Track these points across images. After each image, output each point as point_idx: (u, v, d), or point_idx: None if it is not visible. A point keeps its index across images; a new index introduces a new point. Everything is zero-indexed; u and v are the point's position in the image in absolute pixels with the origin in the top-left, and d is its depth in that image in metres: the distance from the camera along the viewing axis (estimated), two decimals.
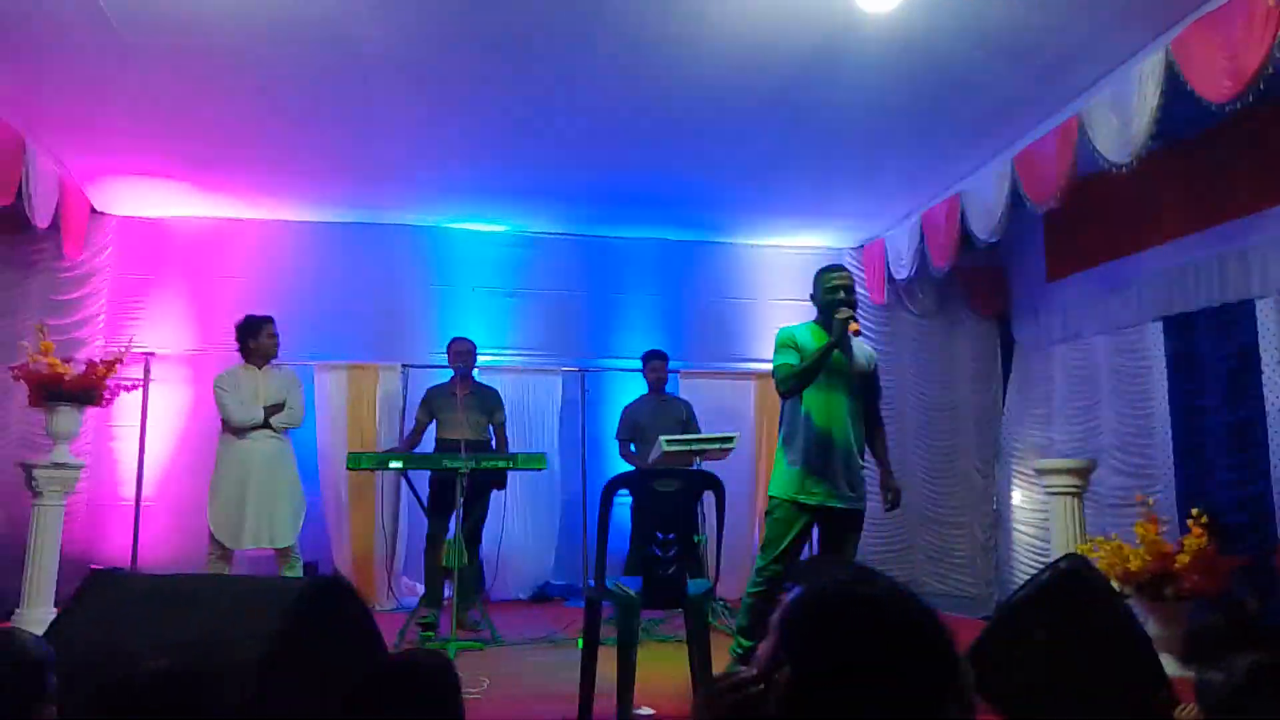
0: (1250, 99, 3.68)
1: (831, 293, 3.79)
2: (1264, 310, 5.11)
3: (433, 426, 5.77)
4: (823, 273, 3.91)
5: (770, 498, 3.87)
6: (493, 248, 7.19)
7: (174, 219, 6.69)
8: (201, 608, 2.23)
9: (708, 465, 5.21)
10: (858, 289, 7.09)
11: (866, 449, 3.95)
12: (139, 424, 6.25)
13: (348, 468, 5.43)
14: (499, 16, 4.09)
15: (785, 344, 3.85)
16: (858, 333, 3.71)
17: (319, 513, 6.32)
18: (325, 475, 6.51)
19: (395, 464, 5.17)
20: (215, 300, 6.62)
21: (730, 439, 5.22)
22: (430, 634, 5.09)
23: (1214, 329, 5.49)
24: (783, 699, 1.06)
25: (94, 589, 2.38)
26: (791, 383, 3.77)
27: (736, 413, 6.99)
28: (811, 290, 3.92)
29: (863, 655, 1.03)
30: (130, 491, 6.24)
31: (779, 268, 7.33)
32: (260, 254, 6.79)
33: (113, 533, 6.27)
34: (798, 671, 1.05)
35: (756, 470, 6.98)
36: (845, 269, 3.92)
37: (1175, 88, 4.02)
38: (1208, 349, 5.56)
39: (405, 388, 6.68)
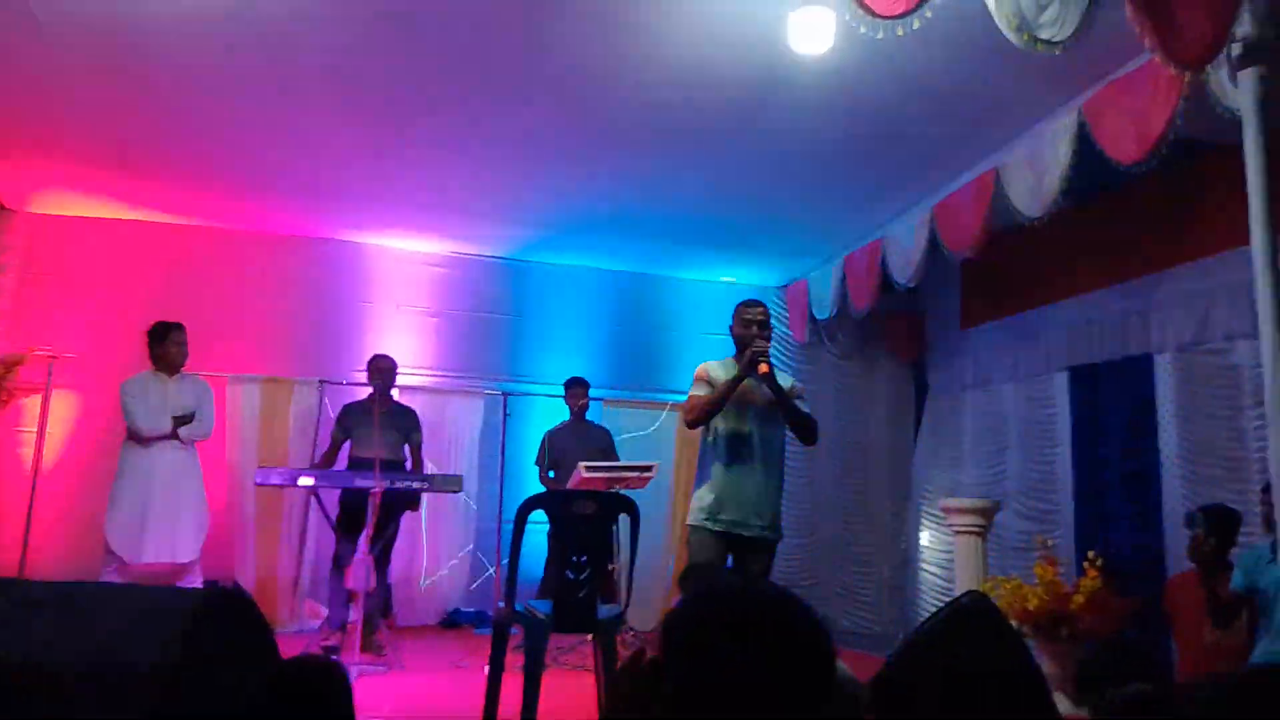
0: (1155, 162, 3.89)
1: (746, 326, 3.85)
2: (1162, 365, 5.36)
3: (349, 448, 5.66)
4: (740, 306, 3.96)
5: (687, 526, 3.89)
6: (419, 267, 7.11)
7: (88, 219, 6.45)
8: (99, 616, 2.13)
9: (627, 494, 5.21)
10: (779, 326, 7.34)
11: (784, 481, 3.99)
12: (36, 428, 5.98)
13: (256, 483, 5.28)
14: (436, 34, 4.09)
15: (699, 378, 3.90)
16: (767, 373, 3.72)
17: (222, 529, 6.12)
18: (232, 491, 6.31)
19: (305, 481, 5.05)
20: (127, 305, 6.38)
21: (649, 467, 5.24)
22: (334, 657, 4.95)
23: (1116, 381, 5.74)
24: (667, 699, 1.07)
25: None
26: (696, 414, 3.81)
27: (657, 443, 7.02)
28: (730, 323, 3.97)
29: (731, 652, 1.05)
30: (23, 499, 5.95)
31: (705, 301, 7.42)
32: (178, 260, 6.58)
33: (4, 542, 5.96)
34: (674, 670, 1.07)
35: (675, 500, 7.00)
36: (762, 304, 3.97)
37: (1086, 148, 4.22)
38: (1110, 400, 5.80)
39: (321, 404, 6.53)
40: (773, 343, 3.93)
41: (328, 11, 3.90)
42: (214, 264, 6.62)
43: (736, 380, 3.74)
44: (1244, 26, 3.14)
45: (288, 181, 5.85)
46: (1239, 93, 3.20)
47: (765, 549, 3.84)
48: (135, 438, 5.04)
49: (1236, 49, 3.16)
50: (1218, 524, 4.25)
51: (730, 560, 3.84)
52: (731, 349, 3.95)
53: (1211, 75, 3.41)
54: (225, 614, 2.27)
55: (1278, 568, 3.73)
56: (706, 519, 3.76)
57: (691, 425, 3.91)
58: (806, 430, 3.89)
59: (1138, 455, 5.50)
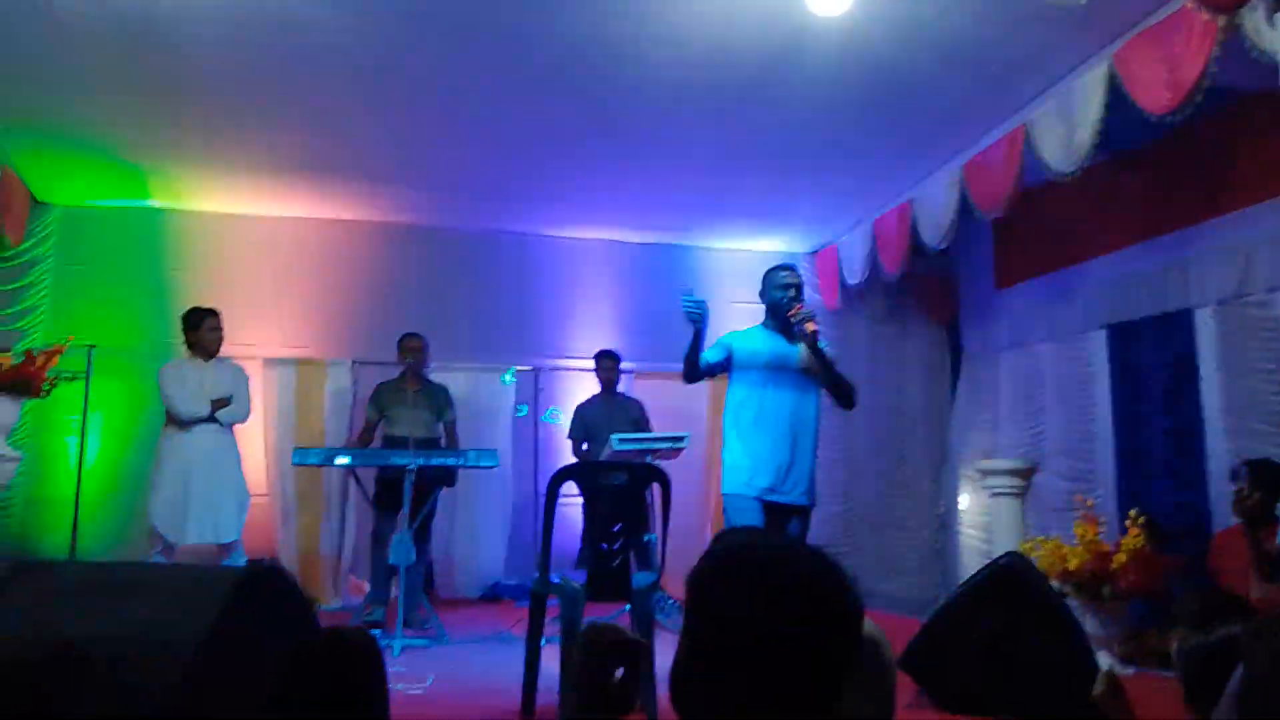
0: (1190, 112, 3.79)
1: (783, 289, 3.82)
2: (1202, 319, 5.25)
3: (383, 426, 5.72)
4: (772, 272, 3.93)
5: (722, 495, 3.87)
6: (449, 245, 7.13)
7: (120, 209, 6.54)
8: (138, 595, 2.19)
9: (658, 464, 5.22)
10: (811, 293, 7.28)
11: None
12: (80, 416, 6.11)
13: (294, 463, 5.36)
14: (448, 12, 4.07)
15: (716, 343, 3.89)
16: (815, 333, 3.71)
17: (264, 510, 6.24)
18: (271, 472, 6.42)
19: (342, 460, 5.12)
20: (162, 292, 6.48)
21: (681, 438, 5.24)
22: (376, 632, 5.04)
23: (1155, 337, 5.63)
24: (684, 657, 1.07)
25: (20, 579, 2.32)
26: (684, 367, 3.82)
27: (689, 413, 7.00)
28: (760, 289, 3.93)
29: (755, 605, 1.04)
30: (71, 485, 6.10)
31: (733, 271, 7.36)
32: (209, 246, 6.67)
33: (51, 527, 6.12)
34: (697, 626, 1.07)
35: (709, 470, 7.01)
36: (795, 268, 3.95)
37: (1118, 99, 4.12)
38: (1149, 357, 5.69)
39: (355, 384, 6.61)
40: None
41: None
42: (245, 249, 6.69)
43: (698, 331, 3.73)
44: None
45: (314, 163, 5.88)
46: (1276, 35, 3.10)
47: (801, 515, 3.83)
48: (175, 422, 5.13)
49: None
50: (1262, 477, 4.18)
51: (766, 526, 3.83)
52: (762, 317, 3.92)
53: (1247, 18, 3.31)
54: (264, 589, 2.31)
55: None
56: (744, 486, 3.75)
57: (688, 379, 3.88)
58: (846, 395, 3.86)
59: (1179, 412, 5.40)
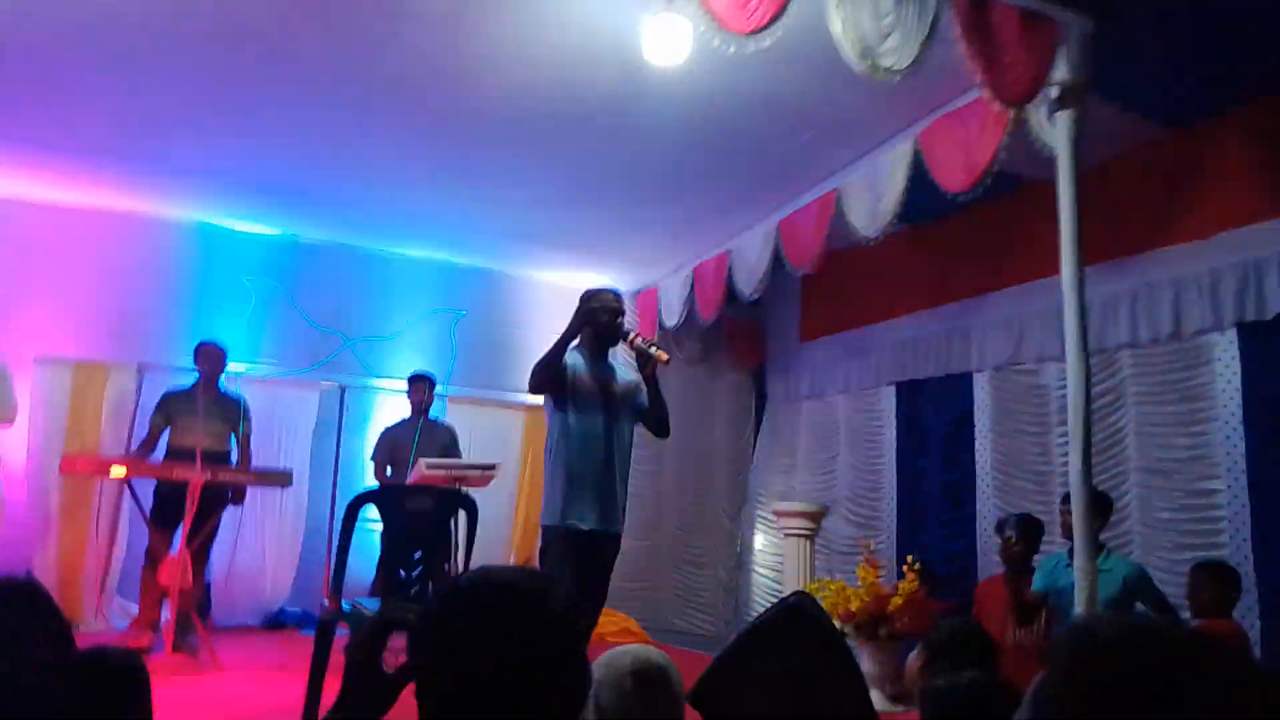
0: (979, 192, 4.16)
1: (611, 313, 3.75)
2: (980, 383, 5.74)
3: (168, 436, 5.33)
4: (598, 293, 3.82)
5: (543, 527, 3.75)
6: (259, 250, 6.76)
7: None
8: None
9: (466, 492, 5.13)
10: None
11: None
12: None
13: (60, 471, 4.89)
14: (284, 13, 3.92)
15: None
16: (667, 361, 3.65)
17: (20, 521, 5.65)
18: (33, 479, 5.82)
19: (118, 470, 4.72)
20: None
21: (492, 466, 5.17)
22: (144, 657, 4.65)
23: (938, 396, 6.09)
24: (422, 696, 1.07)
25: None
26: (538, 371, 3.68)
27: (503, 443, 6.95)
28: (581, 309, 3.80)
29: (473, 634, 1.05)
30: None
31: (557, 303, 7.37)
32: None
33: None
34: (423, 664, 1.07)
35: (517, 501, 6.96)
36: (619, 292, 3.89)
37: (919, 174, 4.47)
38: (932, 414, 6.15)
39: (140, 390, 6.12)
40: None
41: None
42: (21, 236, 6.08)
43: (576, 326, 3.70)
44: (1060, 71, 3.40)
45: (108, 152, 5.44)
46: (1055, 132, 3.46)
47: (616, 547, 3.82)
48: None
49: (1054, 92, 3.41)
50: (1026, 531, 4.58)
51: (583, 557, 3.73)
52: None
53: (1032, 114, 3.68)
54: (15, 604, 2.10)
55: (1073, 572, 4.04)
56: (563, 517, 3.65)
57: (534, 388, 3.74)
58: (664, 420, 3.85)
59: (956, 466, 5.86)
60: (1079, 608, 3.22)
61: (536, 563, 3.99)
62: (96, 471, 4.85)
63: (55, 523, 5.85)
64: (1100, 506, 3.78)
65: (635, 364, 3.79)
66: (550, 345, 3.69)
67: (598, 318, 3.75)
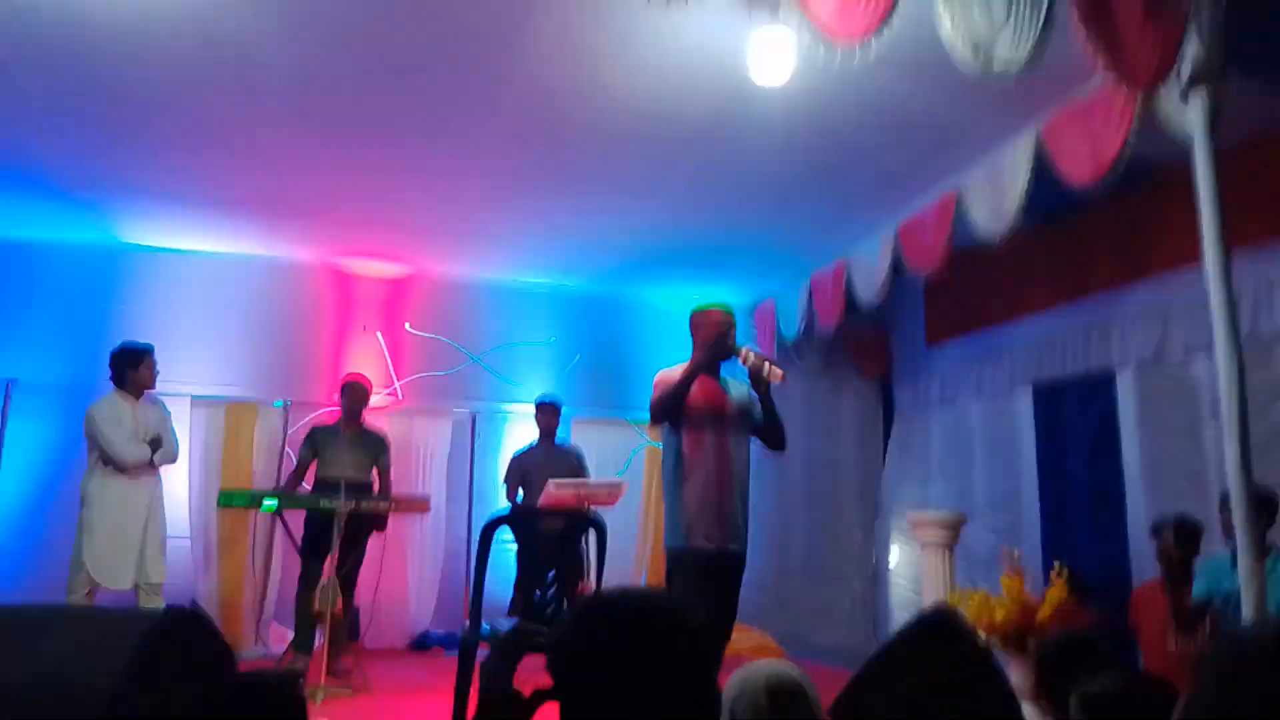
0: (1110, 182, 3.97)
1: (721, 330, 3.77)
2: (1123, 380, 5.46)
3: (316, 469, 5.61)
4: (706, 310, 3.86)
5: (667, 548, 3.77)
6: (388, 287, 7.08)
7: (44, 243, 6.37)
8: (49, 639, 2.10)
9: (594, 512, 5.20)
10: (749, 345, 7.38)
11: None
12: None
13: (219, 504, 5.22)
14: (406, 49, 4.09)
15: (660, 383, 3.81)
16: (782, 378, 3.64)
17: (185, 553, 6.04)
18: (194, 514, 6.22)
19: (269, 502, 5.00)
20: (87, 328, 6.29)
21: (619, 484, 5.20)
22: (299, 680, 4.88)
23: (1078, 396, 5.82)
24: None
25: None
26: (660, 405, 3.73)
27: (627, 462, 7.02)
28: (693, 327, 3.86)
29: (610, 657, 1.06)
30: None
31: (674, 319, 7.42)
32: (138, 282, 6.51)
33: None
34: (559, 684, 1.08)
35: (645, 517, 7.00)
36: (728, 306, 3.91)
37: (1043, 169, 4.30)
38: (1073, 415, 5.89)
39: (286, 426, 6.47)
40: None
41: (286, 28, 3.89)
42: (175, 286, 6.54)
43: (706, 358, 3.70)
44: (1192, 49, 3.22)
45: (251, 199, 5.80)
46: (1189, 114, 3.28)
47: (741, 564, 3.81)
48: (109, 464, 4.95)
49: (1185, 71, 3.24)
50: (1183, 534, 4.33)
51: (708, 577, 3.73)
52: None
53: (1162, 97, 3.50)
54: (182, 634, 2.24)
55: (1238, 576, 3.79)
56: (686, 539, 3.67)
57: (656, 420, 3.80)
58: (779, 435, 3.85)
59: (1101, 469, 5.58)
60: (1246, 612, 3.01)
61: (665, 584, 4.00)
62: (251, 505, 5.14)
63: (215, 555, 6.22)
64: (1264, 505, 3.55)
65: (749, 380, 3.78)
66: (675, 380, 3.72)
67: (702, 335, 3.78)
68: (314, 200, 5.80)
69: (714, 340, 3.71)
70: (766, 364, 3.65)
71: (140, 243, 6.50)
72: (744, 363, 3.68)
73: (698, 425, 3.73)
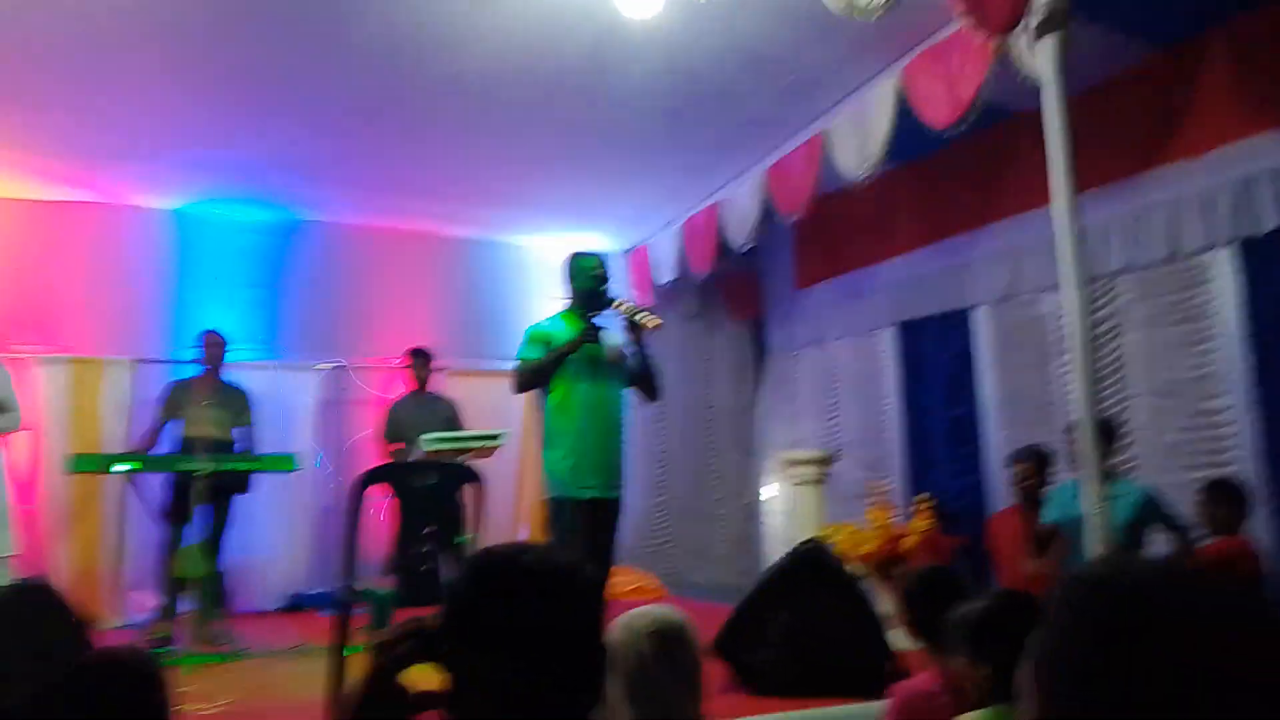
0: (967, 126, 4.11)
1: (594, 279, 3.81)
2: (979, 318, 5.72)
3: (174, 428, 5.33)
4: (580, 257, 3.89)
5: (550, 499, 3.81)
6: (246, 235, 6.71)
7: None
8: None
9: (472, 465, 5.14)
10: (623, 291, 7.39)
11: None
12: None
13: (68, 470, 4.90)
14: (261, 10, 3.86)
15: (534, 339, 3.82)
16: (658, 327, 3.69)
17: (34, 524, 5.68)
18: (42, 482, 5.83)
19: (122, 466, 4.73)
20: None
21: (495, 436, 5.17)
22: (165, 649, 4.69)
23: (938, 334, 6.07)
24: (440, 658, 1.08)
25: None
26: (526, 378, 3.77)
27: (505, 412, 6.93)
28: (569, 275, 3.89)
29: (499, 612, 1.06)
30: None
31: (549, 267, 7.33)
32: None
33: None
34: (450, 632, 1.08)
35: (522, 470, 6.96)
36: (601, 256, 3.93)
37: (904, 112, 4.41)
38: (933, 352, 6.14)
39: (135, 385, 6.11)
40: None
41: None
42: (8, 236, 6.04)
43: (577, 343, 3.71)
44: None
45: (90, 145, 5.39)
46: (1039, 59, 3.40)
47: (619, 510, 3.87)
48: None
49: (1036, 18, 3.35)
50: (1036, 462, 4.60)
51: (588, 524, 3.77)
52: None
53: (1015, 43, 3.61)
54: (32, 608, 2.11)
55: (1083, 501, 4.06)
56: (570, 488, 3.71)
57: (520, 390, 3.84)
58: (655, 385, 3.90)
59: (960, 403, 5.86)
60: (1091, 535, 3.22)
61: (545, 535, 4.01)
62: (103, 469, 4.86)
63: (66, 523, 5.87)
64: (1106, 434, 3.79)
65: (625, 330, 3.79)
66: (545, 357, 3.74)
67: (580, 284, 3.80)
68: (161, 144, 5.43)
69: (587, 289, 3.71)
70: (643, 313, 3.66)
71: None
72: (620, 312, 3.69)
73: (574, 376, 3.74)
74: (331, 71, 4.63)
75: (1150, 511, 4.14)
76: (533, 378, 3.74)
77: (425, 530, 3.30)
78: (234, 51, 4.42)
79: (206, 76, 4.65)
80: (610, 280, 3.86)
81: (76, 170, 5.77)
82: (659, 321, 3.68)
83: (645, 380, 3.88)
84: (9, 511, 4.82)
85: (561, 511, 3.73)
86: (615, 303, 3.76)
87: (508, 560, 1.11)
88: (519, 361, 3.83)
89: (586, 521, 3.69)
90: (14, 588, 1.91)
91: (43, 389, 5.90)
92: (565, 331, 3.80)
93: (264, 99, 4.90)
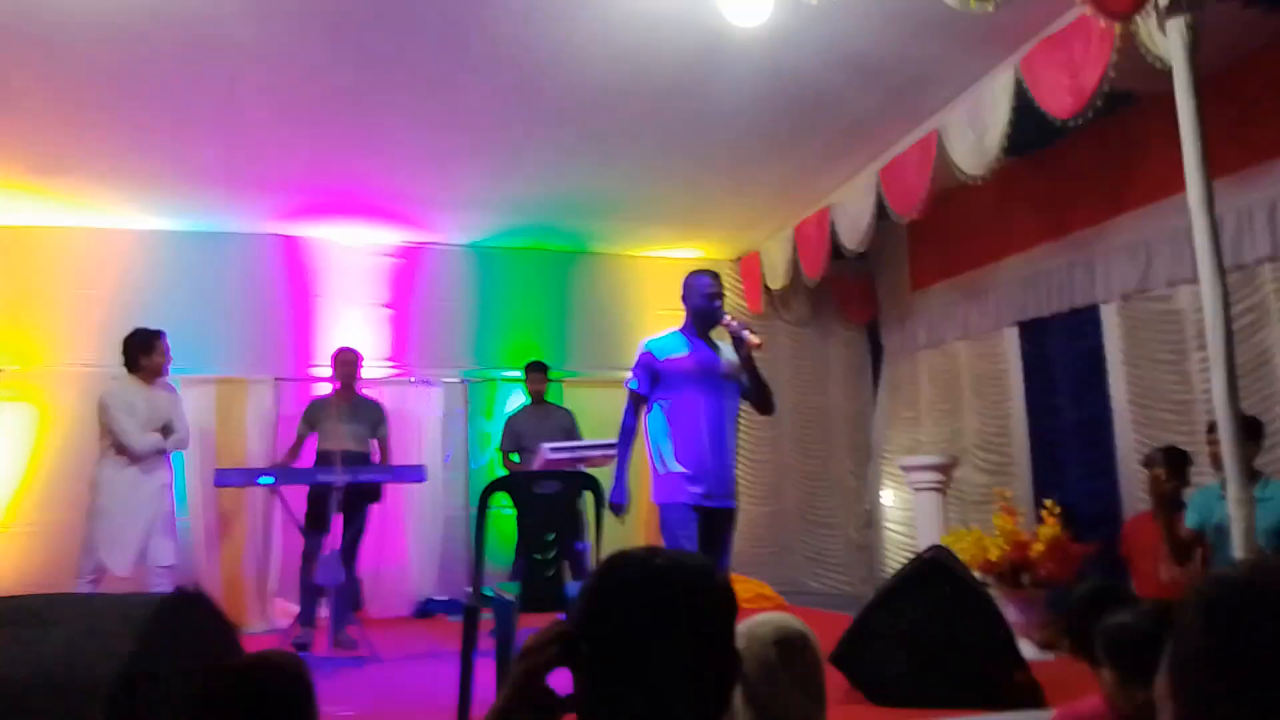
0: (1091, 115, 3.96)
1: (708, 299, 3.83)
2: (1108, 314, 5.48)
3: (314, 443, 5.61)
4: (695, 277, 3.91)
5: (660, 506, 3.86)
6: (370, 258, 7.02)
7: (24, 227, 6.27)
8: (58, 626, 2.12)
9: (591, 472, 5.22)
10: (734, 298, 7.41)
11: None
12: None
13: (215, 485, 5.21)
14: (369, 19, 4.03)
15: (640, 363, 3.88)
16: (759, 345, 3.74)
17: (186, 537, 6.05)
18: (194, 495, 6.21)
19: (264, 480, 4.99)
20: (72, 313, 6.23)
21: (612, 445, 5.23)
22: (305, 654, 4.92)
23: (1064, 333, 5.84)
24: (579, 663, 1.09)
25: None
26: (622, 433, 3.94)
27: (619, 422, 7.02)
28: (683, 294, 3.93)
29: (634, 615, 1.07)
30: None
31: (660, 278, 7.41)
32: (119, 264, 6.43)
33: None
34: (584, 635, 1.09)
35: (640, 477, 7.01)
36: (717, 275, 3.95)
37: (1024, 104, 4.28)
38: (1059, 352, 5.91)
39: (277, 402, 6.45)
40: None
41: (257, 7, 3.83)
42: (157, 266, 6.47)
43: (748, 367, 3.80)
44: None
45: (226, 178, 5.74)
46: (1168, 42, 3.25)
47: (731, 517, 3.88)
48: (122, 451, 4.91)
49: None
50: (1172, 463, 4.37)
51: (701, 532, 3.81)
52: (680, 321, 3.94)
53: (1140, 26, 3.47)
54: (186, 616, 2.26)
55: (1227, 505, 3.84)
56: (678, 495, 3.74)
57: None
58: (767, 399, 3.92)
59: (1089, 404, 5.62)
60: (1236, 539, 3.05)
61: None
62: (245, 482, 5.13)
63: (216, 533, 6.24)
64: (1251, 432, 3.58)
65: (733, 346, 3.83)
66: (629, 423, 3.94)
67: (694, 304, 3.85)
68: (290, 174, 5.73)
69: (698, 307, 3.83)
70: (745, 330, 3.73)
71: (121, 227, 6.42)
72: (727, 330, 3.77)
73: (686, 385, 3.79)
74: (443, 100, 4.79)
75: None
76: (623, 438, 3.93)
77: (547, 537, 3.38)
78: (353, 89, 4.64)
79: (334, 117, 4.90)
80: (722, 298, 3.89)
81: (214, 202, 6.14)
82: (758, 340, 3.73)
83: (757, 396, 3.91)
84: (171, 525, 5.13)
85: (669, 516, 3.78)
86: (723, 321, 3.80)
87: (641, 563, 1.12)
88: (629, 383, 3.92)
89: (700, 528, 3.72)
90: (172, 596, 2.04)
91: (192, 408, 6.29)
92: (677, 349, 3.84)
93: (379, 125, 5.11)
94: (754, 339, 3.70)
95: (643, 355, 3.89)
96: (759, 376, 3.86)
